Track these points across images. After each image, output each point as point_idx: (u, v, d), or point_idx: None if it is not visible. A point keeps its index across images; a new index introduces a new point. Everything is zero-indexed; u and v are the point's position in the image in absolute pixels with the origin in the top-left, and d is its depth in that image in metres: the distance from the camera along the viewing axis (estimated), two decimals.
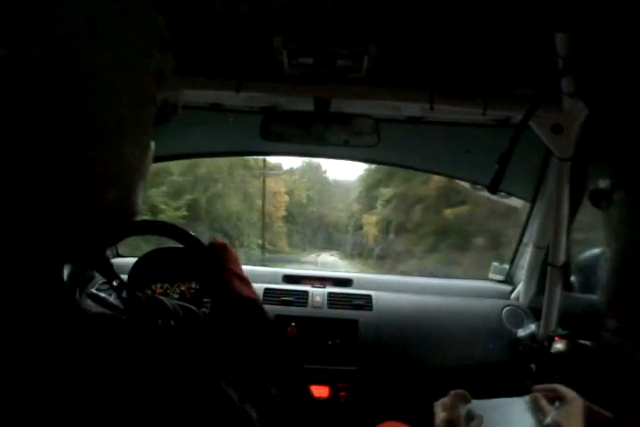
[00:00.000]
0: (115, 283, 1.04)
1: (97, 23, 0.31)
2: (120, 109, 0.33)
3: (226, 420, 0.34)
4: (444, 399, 0.85)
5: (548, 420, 0.77)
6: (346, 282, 1.63)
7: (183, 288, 1.44)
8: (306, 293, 1.48)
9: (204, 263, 0.94)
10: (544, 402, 0.81)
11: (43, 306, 0.32)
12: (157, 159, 1.87)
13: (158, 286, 1.43)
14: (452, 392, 0.84)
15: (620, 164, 0.33)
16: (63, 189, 0.31)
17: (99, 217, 0.35)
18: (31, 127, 0.28)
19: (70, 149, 0.31)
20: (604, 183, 0.35)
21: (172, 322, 1.00)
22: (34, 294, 0.32)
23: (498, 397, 0.89)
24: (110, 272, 1.06)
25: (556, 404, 0.81)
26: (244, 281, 0.83)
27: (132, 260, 1.32)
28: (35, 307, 0.31)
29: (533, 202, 1.48)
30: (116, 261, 1.64)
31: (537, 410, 0.80)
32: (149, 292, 1.38)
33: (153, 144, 0.41)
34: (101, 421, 0.28)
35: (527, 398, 0.84)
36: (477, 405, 0.83)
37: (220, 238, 0.99)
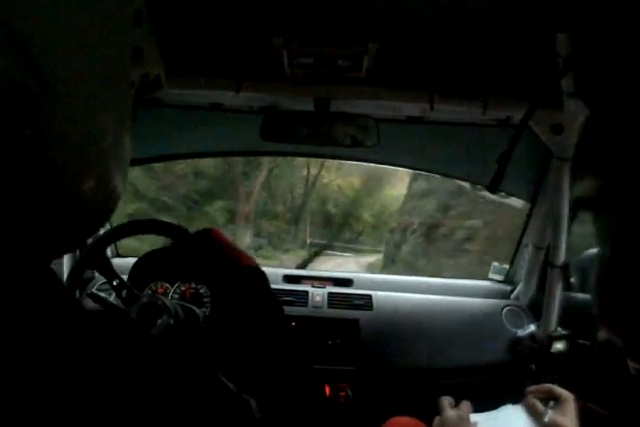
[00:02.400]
0: (115, 283, 1.04)
1: None
2: (89, 90, 0.31)
3: (222, 405, 0.34)
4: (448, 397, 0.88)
5: (546, 419, 0.77)
6: (346, 282, 1.63)
7: (183, 288, 1.44)
8: (306, 293, 1.48)
9: (197, 247, 0.90)
10: (539, 405, 0.82)
11: (29, 303, 0.31)
12: (157, 159, 1.88)
13: (158, 285, 1.43)
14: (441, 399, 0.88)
15: (612, 166, 0.33)
16: (35, 180, 0.30)
17: (76, 208, 0.34)
18: None
19: (36, 135, 0.29)
20: (594, 186, 0.35)
21: (172, 322, 0.99)
22: (17, 291, 0.31)
23: (498, 397, 0.89)
24: (110, 272, 1.06)
25: (551, 403, 0.82)
26: (241, 252, 0.79)
27: (132, 260, 1.32)
28: (21, 303, 0.30)
29: (533, 202, 1.48)
30: (116, 261, 1.64)
31: (533, 414, 0.82)
32: (150, 292, 1.38)
33: (131, 125, 0.38)
34: (96, 418, 0.28)
35: (522, 403, 0.85)
36: (473, 418, 0.85)
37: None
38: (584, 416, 0.76)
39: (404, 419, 1.12)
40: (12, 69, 0.27)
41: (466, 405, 0.87)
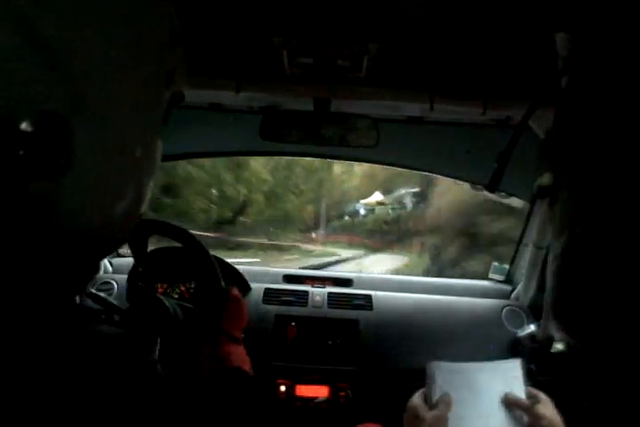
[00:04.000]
0: (140, 269, 1.04)
1: (92, 16, 0.28)
2: (122, 114, 0.31)
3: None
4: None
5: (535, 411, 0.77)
6: (346, 282, 1.63)
7: (183, 288, 1.44)
8: (306, 293, 1.48)
9: (206, 309, 0.93)
10: (523, 399, 0.81)
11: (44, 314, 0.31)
12: None
13: (158, 285, 1.43)
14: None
15: (565, 161, 0.32)
16: (67, 207, 0.29)
17: (105, 230, 0.33)
18: (26, 144, 0.26)
19: (68, 162, 0.28)
20: (548, 179, 0.34)
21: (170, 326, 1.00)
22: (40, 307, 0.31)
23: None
24: (143, 257, 1.06)
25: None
26: (237, 347, 0.79)
27: (133, 260, 1.32)
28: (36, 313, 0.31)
29: (533, 202, 1.48)
30: (116, 260, 1.64)
31: (519, 407, 0.80)
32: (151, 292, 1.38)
33: (160, 144, 0.39)
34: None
35: (505, 398, 0.82)
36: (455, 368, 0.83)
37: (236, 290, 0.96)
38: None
39: (371, 425, 1.11)
40: (50, 96, 0.27)
41: (444, 401, 0.78)
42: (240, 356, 0.77)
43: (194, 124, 1.46)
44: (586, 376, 1.09)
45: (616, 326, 0.29)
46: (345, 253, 11.32)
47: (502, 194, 1.63)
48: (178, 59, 0.37)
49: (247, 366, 0.76)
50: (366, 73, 1.07)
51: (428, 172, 1.76)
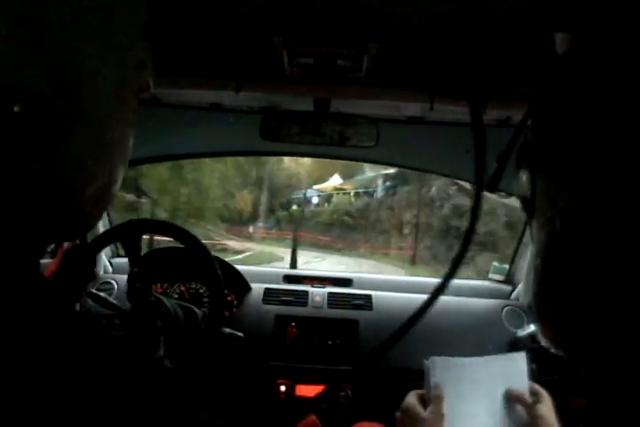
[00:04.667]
0: (135, 269, 1.05)
1: (84, 12, 0.30)
2: (100, 98, 0.33)
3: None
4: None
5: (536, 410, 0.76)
6: (346, 282, 1.63)
7: (183, 288, 1.44)
8: (306, 293, 1.48)
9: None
10: (527, 396, 0.79)
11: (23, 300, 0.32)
12: (157, 159, 1.88)
13: (158, 285, 1.43)
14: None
15: (548, 167, 0.32)
16: (42, 188, 0.31)
17: (74, 214, 0.35)
18: (12, 121, 0.28)
19: (54, 143, 0.30)
20: (527, 185, 0.34)
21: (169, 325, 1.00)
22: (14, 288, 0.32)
23: None
24: (137, 258, 1.06)
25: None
26: None
27: None
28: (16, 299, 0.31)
29: (532, 201, 1.48)
30: (116, 260, 1.64)
31: (521, 403, 0.79)
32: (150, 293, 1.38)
33: (132, 135, 0.40)
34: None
35: (508, 393, 0.81)
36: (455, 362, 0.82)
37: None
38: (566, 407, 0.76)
39: (368, 424, 1.11)
40: (38, 81, 0.29)
41: (436, 396, 0.77)
42: None
43: (194, 124, 1.46)
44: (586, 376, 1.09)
45: (606, 330, 0.29)
46: (289, 255, 6.93)
47: (502, 194, 1.63)
48: (147, 52, 0.38)
49: None
50: (366, 73, 1.07)
51: (428, 172, 1.76)
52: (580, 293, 0.29)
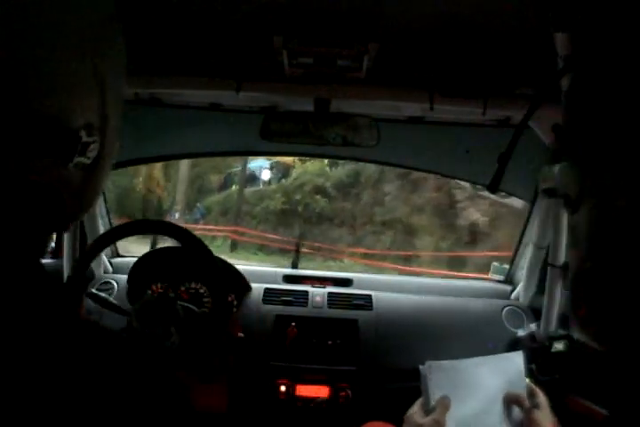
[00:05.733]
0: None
1: None
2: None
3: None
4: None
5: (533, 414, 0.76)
6: (346, 282, 1.63)
7: (183, 288, 1.44)
8: (306, 293, 1.48)
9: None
10: (525, 398, 0.80)
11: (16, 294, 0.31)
12: (157, 159, 1.87)
13: (158, 285, 1.43)
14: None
15: (595, 167, 0.32)
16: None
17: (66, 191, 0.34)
18: None
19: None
20: (573, 185, 0.34)
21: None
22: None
23: None
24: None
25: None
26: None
27: (132, 260, 1.32)
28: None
29: (533, 202, 1.48)
30: (116, 260, 1.64)
31: (518, 405, 0.79)
32: (149, 292, 1.38)
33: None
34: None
35: (506, 396, 0.81)
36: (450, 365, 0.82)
37: None
38: (585, 419, 0.76)
39: (378, 424, 1.11)
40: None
41: (442, 404, 0.77)
42: None
43: (194, 124, 1.46)
44: (586, 376, 1.09)
45: None
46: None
47: (502, 194, 1.63)
48: (111, 37, 0.37)
49: None
50: (366, 73, 1.07)
51: (428, 172, 1.76)
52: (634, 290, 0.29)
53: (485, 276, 1.76)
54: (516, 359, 0.84)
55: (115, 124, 0.37)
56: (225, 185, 9.88)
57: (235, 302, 1.42)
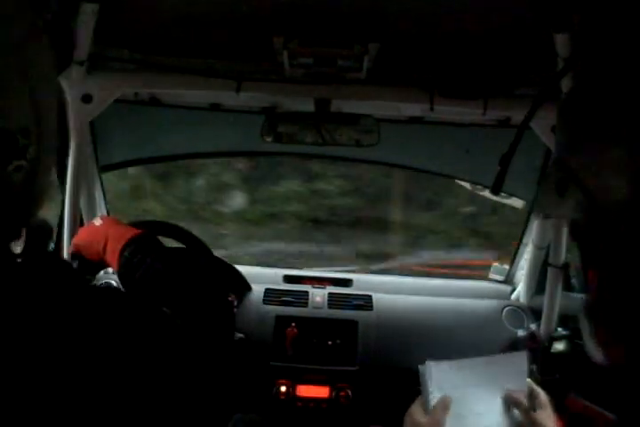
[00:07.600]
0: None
1: None
2: None
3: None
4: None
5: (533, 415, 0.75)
6: (346, 282, 1.63)
7: None
8: (306, 293, 1.48)
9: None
10: (523, 399, 0.78)
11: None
12: (157, 159, 1.87)
13: None
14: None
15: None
16: None
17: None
18: None
19: None
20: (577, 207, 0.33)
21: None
22: None
23: None
24: None
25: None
26: None
27: None
28: None
29: (533, 202, 1.48)
30: None
31: (517, 407, 0.78)
32: None
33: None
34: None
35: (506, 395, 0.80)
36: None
37: None
38: (590, 422, 0.75)
39: None
40: None
41: (441, 405, 0.76)
42: None
43: (194, 124, 1.46)
44: (586, 376, 1.09)
45: None
46: None
47: (502, 194, 1.63)
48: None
49: None
50: (367, 73, 1.07)
51: (428, 172, 1.76)
52: None
53: (485, 276, 1.76)
54: (519, 359, 0.84)
55: (51, 127, 0.38)
56: None
57: (235, 303, 1.42)
